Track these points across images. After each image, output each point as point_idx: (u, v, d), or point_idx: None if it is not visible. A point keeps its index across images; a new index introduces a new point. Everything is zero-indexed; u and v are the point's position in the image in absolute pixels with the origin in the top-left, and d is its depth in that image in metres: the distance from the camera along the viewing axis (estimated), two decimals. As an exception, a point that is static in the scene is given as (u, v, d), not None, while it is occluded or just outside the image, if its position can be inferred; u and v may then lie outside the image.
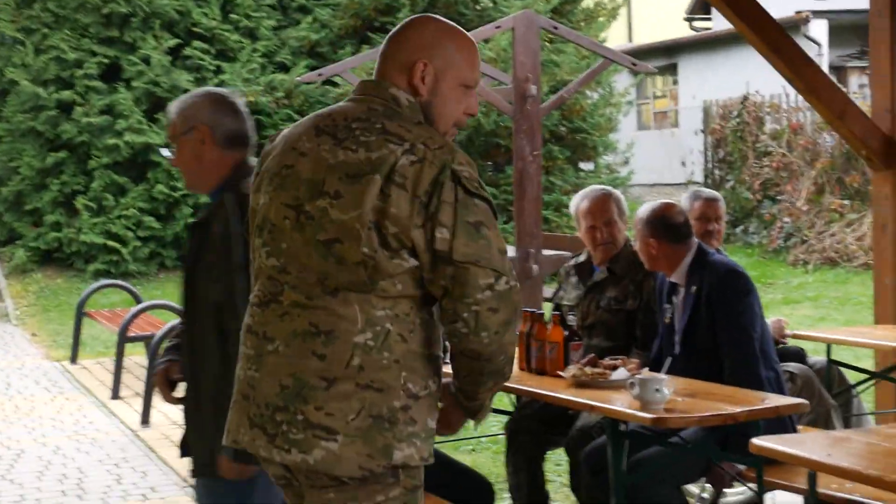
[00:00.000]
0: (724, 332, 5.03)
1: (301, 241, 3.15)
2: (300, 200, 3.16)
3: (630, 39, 30.69)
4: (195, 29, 18.23)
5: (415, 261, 3.07)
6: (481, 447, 8.07)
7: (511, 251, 10.95)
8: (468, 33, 3.35)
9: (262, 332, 3.21)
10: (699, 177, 20.77)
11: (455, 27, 3.35)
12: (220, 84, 17.46)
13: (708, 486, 5.83)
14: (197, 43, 18.14)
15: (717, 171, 20.09)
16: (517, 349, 5.39)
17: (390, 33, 3.34)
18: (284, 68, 18.38)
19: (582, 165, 18.48)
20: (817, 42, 21.06)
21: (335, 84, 16.55)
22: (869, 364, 7.13)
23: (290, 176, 3.20)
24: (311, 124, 3.24)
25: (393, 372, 3.09)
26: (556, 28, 10.77)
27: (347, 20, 17.32)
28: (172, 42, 18.10)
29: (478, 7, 17.74)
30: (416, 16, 3.45)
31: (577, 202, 5.75)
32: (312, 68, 16.14)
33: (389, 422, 3.07)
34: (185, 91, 17.04)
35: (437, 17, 3.43)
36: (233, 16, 18.35)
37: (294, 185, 3.19)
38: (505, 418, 6.01)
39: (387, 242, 3.05)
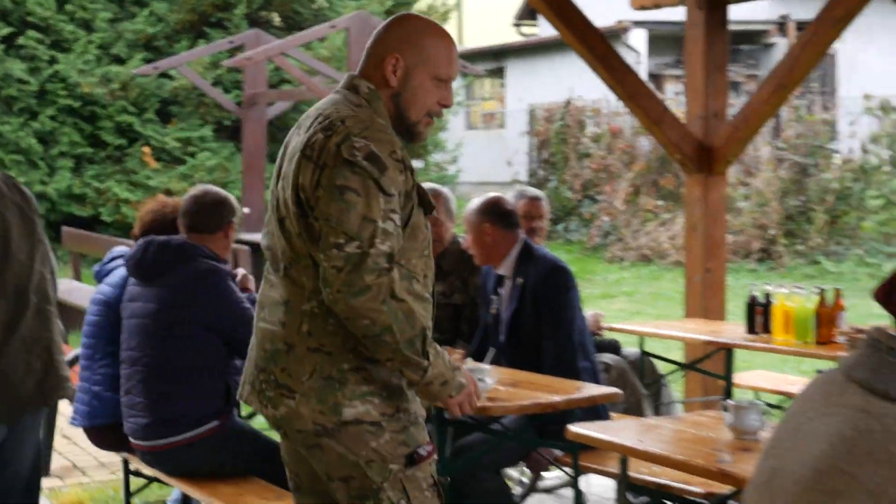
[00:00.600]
0: (546, 325, 5.10)
1: (274, 221, 3.35)
2: (275, 186, 3.35)
3: (461, 42, 30.89)
4: (29, 18, 17.56)
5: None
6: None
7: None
8: (440, 31, 3.42)
9: (260, 302, 3.44)
10: (524, 176, 21.02)
11: (434, 25, 3.44)
12: (54, 74, 17.01)
13: (527, 470, 5.93)
14: (31, 32, 17.49)
15: (540, 171, 20.39)
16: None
17: (374, 32, 3.42)
18: (120, 61, 17.83)
19: (412, 162, 18.50)
20: (637, 50, 21.48)
21: (171, 77, 16.29)
22: (679, 356, 7.31)
23: (279, 167, 3.37)
24: (299, 119, 3.40)
25: (339, 337, 3.20)
26: (389, 29, 10.76)
27: (184, 15, 17.06)
28: (6, 31, 17.42)
29: (313, 6, 17.65)
30: (399, 13, 3.58)
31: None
32: (148, 61, 15.90)
33: (339, 382, 3.19)
34: (19, 81, 16.83)
35: (419, 15, 3.55)
36: (68, 6, 17.76)
37: (276, 173, 3.38)
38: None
39: (306, 214, 3.20)
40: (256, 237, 11.94)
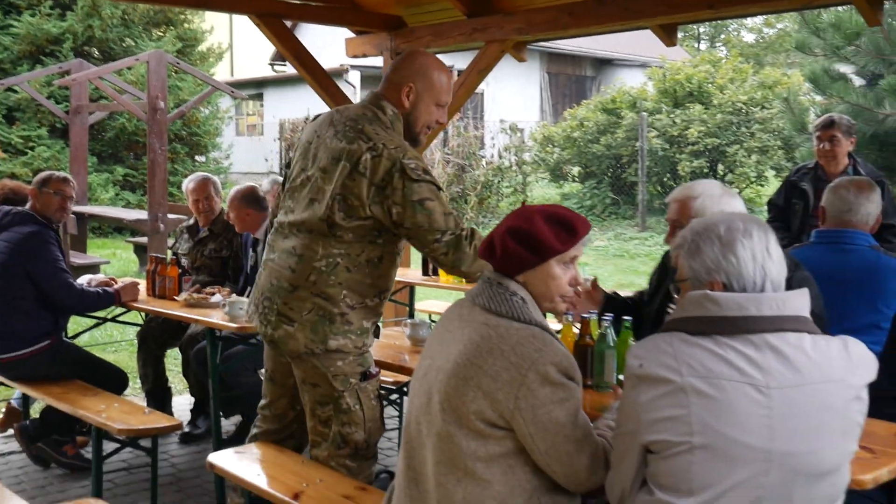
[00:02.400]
0: None
1: (300, 195, 3.22)
2: (307, 167, 3.22)
3: (232, 74, 29.97)
4: None
5: (365, 221, 3.09)
6: (121, 348, 7.71)
7: (144, 215, 10.51)
8: (441, 64, 3.28)
9: (270, 245, 3.32)
10: (276, 168, 20.72)
11: (437, 62, 3.29)
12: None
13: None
14: None
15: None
16: (147, 282, 5.24)
17: (394, 61, 3.29)
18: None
19: (198, 158, 17.95)
20: (353, 85, 21.53)
21: (15, 91, 15.13)
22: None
23: (308, 149, 3.26)
24: (328, 116, 3.29)
25: (336, 289, 3.13)
26: (178, 63, 10.39)
27: (25, 46, 15.76)
28: None
29: (123, 45, 16.77)
30: (411, 50, 3.42)
31: (186, 183, 5.66)
32: (-1, 80, 14.77)
33: (329, 321, 3.14)
34: None
35: (426, 52, 3.38)
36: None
37: (307, 156, 3.25)
38: (136, 328, 5.77)
39: (347, 208, 3.07)
40: (81, 208, 11.31)
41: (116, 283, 5.20)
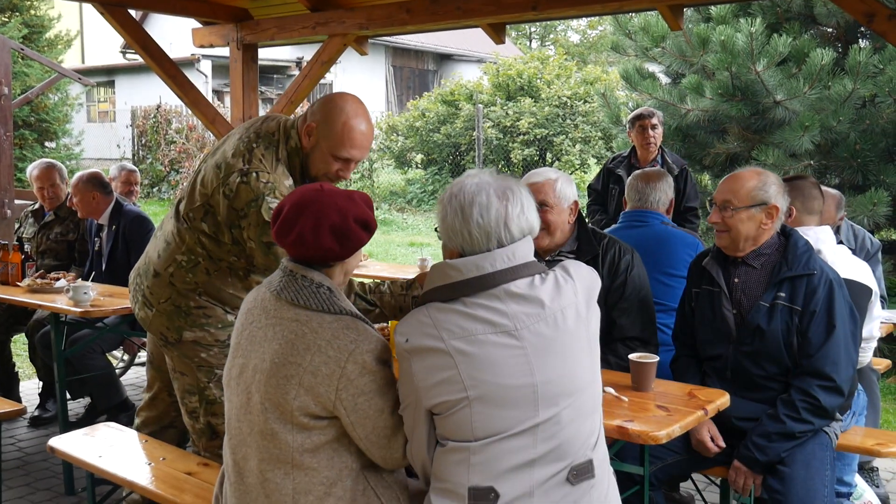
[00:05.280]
0: (134, 254, 4.85)
1: (188, 185, 3.02)
2: (214, 153, 2.96)
3: (83, 61, 28.32)
4: None
5: (219, 237, 2.90)
6: (-34, 336, 7.18)
7: (-11, 201, 9.82)
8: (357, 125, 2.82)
9: (164, 221, 3.11)
10: (129, 155, 19.69)
11: (353, 112, 2.82)
12: None
13: (124, 352, 5.68)
14: None
15: (140, 152, 19.18)
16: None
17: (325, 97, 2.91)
18: None
19: (48, 144, 16.87)
20: (205, 74, 20.82)
21: None
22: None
23: (219, 145, 3.01)
24: (262, 116, 3.03)
25: (191, 286, 2.96)
26: (23, 49, 9.71)
27: None
28: None
29: (-35, 29, 15.56)
30: (337, 92, 2.94)
31: (31, 170, 5.33)
32: None
33: (185, 314, 2.98)
34: None
35: (348, 98, 2.87)
36: None
37: (221, 143, 3.00)
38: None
39: (212, 215, 2.86)
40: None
41: None
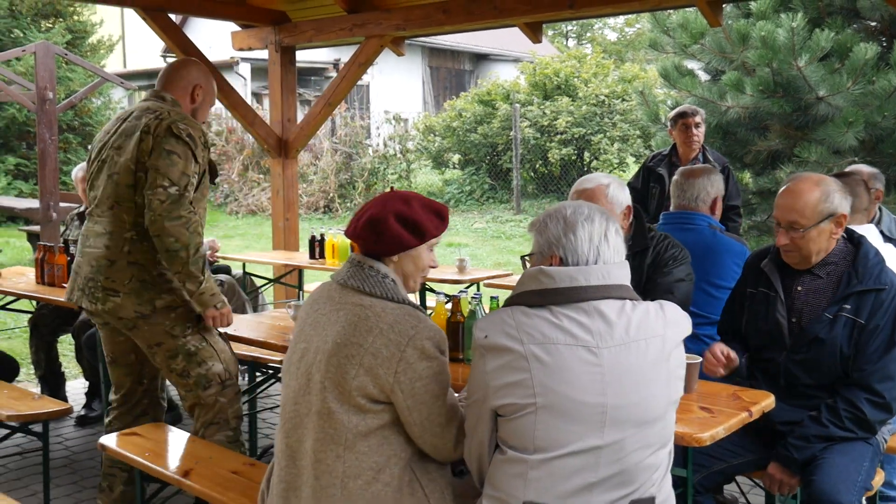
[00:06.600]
0: None
1: (99, 179, 3.37)
2: (102, 155, 3.39)
3: (125, 65, 28.75)
4: None
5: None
6: (15, 336, 7.34)
7: (36, 203, 10.03)
8: None
9: (85, 234, 3.38)
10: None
11: (209, 71, 3.57)
12: None
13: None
14: None
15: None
16: (36, 269, 4.99)
17: (175, 64, 3.51)
18: None
19: (90, 147, 17.20)
20: (244, 77, 21.01)
21: None
22: (270, 274, 7.29)
23: (102, 145, 3.42)
24: (117, 116, 3.46)
25: (150, 254, 3.23)
26: (66, 55, 9.91)
27: None
28: None
29: (11, 36, 15.87)
30: (191, 59, 3.64)
31: (75, 173, 5.38)
32: None
33: (151, 284, 3.25)
34: None
35: (197, 61, 3.58)
36: None
37: (102, 149, 3.41)
38: (28, 315, 5.50)
39: (143, 170, 3.22)
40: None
41: None
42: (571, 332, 1.94)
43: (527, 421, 1.93)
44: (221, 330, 3.49)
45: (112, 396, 3.64)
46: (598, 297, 1.98)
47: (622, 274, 2.05)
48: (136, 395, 3.57)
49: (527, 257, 2.17)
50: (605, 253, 2.04)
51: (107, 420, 3.65)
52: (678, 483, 2.62)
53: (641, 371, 1.94)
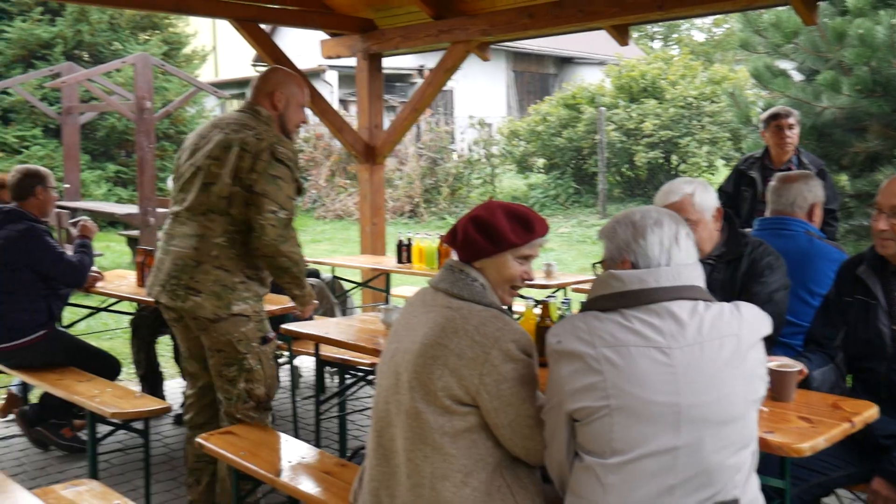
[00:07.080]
0: None
1: (192, 185, 3.46)
2: (196, 161, 3.47)
3: (217, 75, 29.61)
4: None
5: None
6: (116, 336, 7.63)
7: (134, 209, 10.40)
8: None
9: (170, 233, 3.51)
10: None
11: (294, 73, 3.61)
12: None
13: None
14: None
15: (271, 161, 19.91)
16: (136, 272, 5.17)
17: (260, 74, 3.58)
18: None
19: (180, 148, 17.74)
20: (330, 84, 21.38)
21: (9, 94, 14.89)
22: (358, 278, 7.39)
23: (195, 149, 3.52)
24: (211, 123, 3.56)
25: (237, 262, 3.40)
26: (163, 65, 10.27)
27: (17, 51, 15.50)
28: None
29: (111, 48, 16.53)
30: (274, 66, 3.74)
31: (171, 180, 5.55)
32: (-8, 82, 14.46)
33: (231, 289, 3.40)
34: None
35: (284, 67, 3.67)
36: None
37: (195, 153, 3.50)
38: (130, 317, 5.71)
39: (241, 184, 3.33)
40: (74, 204, 11.18)
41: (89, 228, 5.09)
42: (643, 334, 1.93)
43: (602, 424, 1.92)
44: (311, 332, 3.60)
45: (189, 391, 3.75)
46: (668, 298, 1.96)
47: (694, 275, 2.03)
48: (213, 390, 3.68)
49: (597, 264, 2.17)
50: (677, 256, 2.02)
51: (187, 417, 3.76)
52: (774, 494, 2.56)
53: (716, 370, 1.92)
